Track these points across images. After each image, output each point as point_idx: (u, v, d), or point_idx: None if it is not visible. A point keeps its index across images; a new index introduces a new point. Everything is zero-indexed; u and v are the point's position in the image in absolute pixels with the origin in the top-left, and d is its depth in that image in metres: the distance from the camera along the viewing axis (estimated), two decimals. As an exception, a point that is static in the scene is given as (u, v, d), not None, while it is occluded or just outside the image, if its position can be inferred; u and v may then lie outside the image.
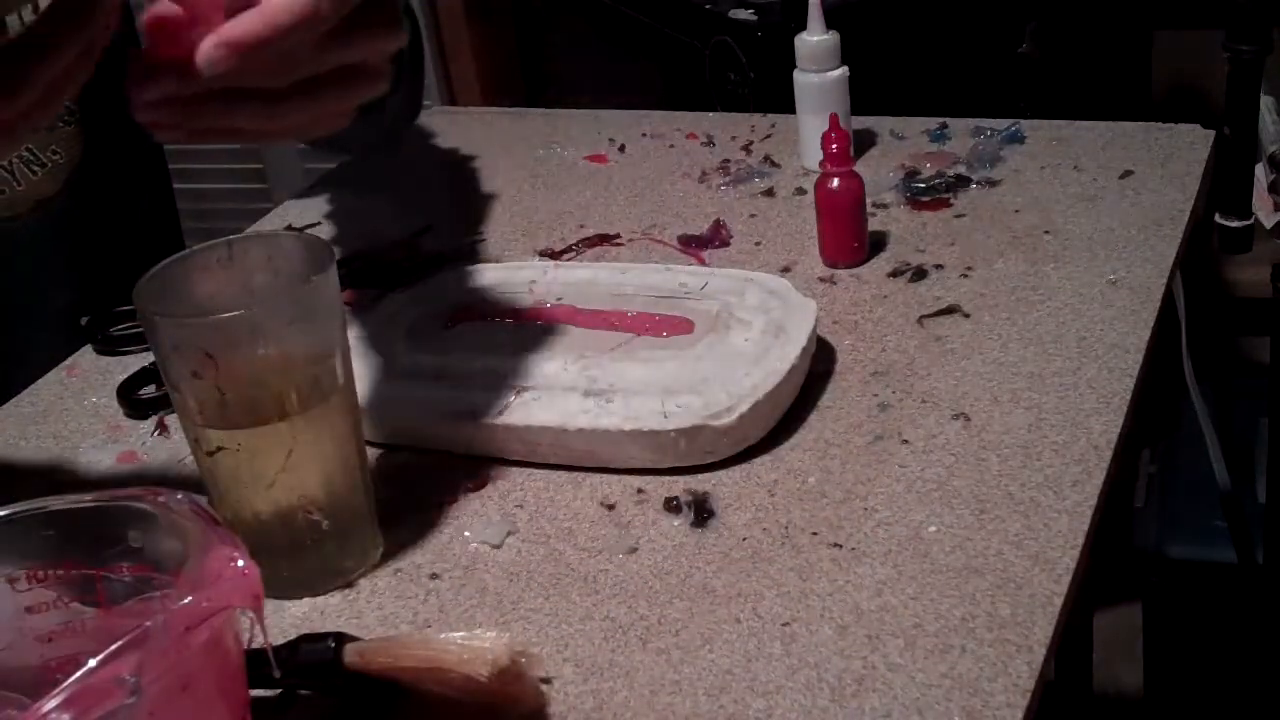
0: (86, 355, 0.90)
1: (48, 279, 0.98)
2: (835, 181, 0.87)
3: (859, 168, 0.89)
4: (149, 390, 0.84)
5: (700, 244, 0.94)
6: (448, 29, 2.10)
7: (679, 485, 0.70)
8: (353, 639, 0.59)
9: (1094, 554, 0.64)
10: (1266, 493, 1.58)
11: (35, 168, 0.94)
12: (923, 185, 0.96)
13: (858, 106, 1.00)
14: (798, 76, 0.99)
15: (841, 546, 0.65)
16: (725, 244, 0.94)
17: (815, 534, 0.66)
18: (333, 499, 0.66)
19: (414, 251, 0.97)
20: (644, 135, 1.13)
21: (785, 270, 0.89)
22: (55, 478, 0.78)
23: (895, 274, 0.87)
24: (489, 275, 0.86)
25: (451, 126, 1.21)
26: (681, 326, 0.77)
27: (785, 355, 0.73)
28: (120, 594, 0.54)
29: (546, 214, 1.02)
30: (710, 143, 1.09)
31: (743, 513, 0.68)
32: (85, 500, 0.55)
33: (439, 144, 1.18)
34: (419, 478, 0.74)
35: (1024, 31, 1.46)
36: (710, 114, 1.16)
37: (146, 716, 0.45)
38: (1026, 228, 0.90)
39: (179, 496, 0.53)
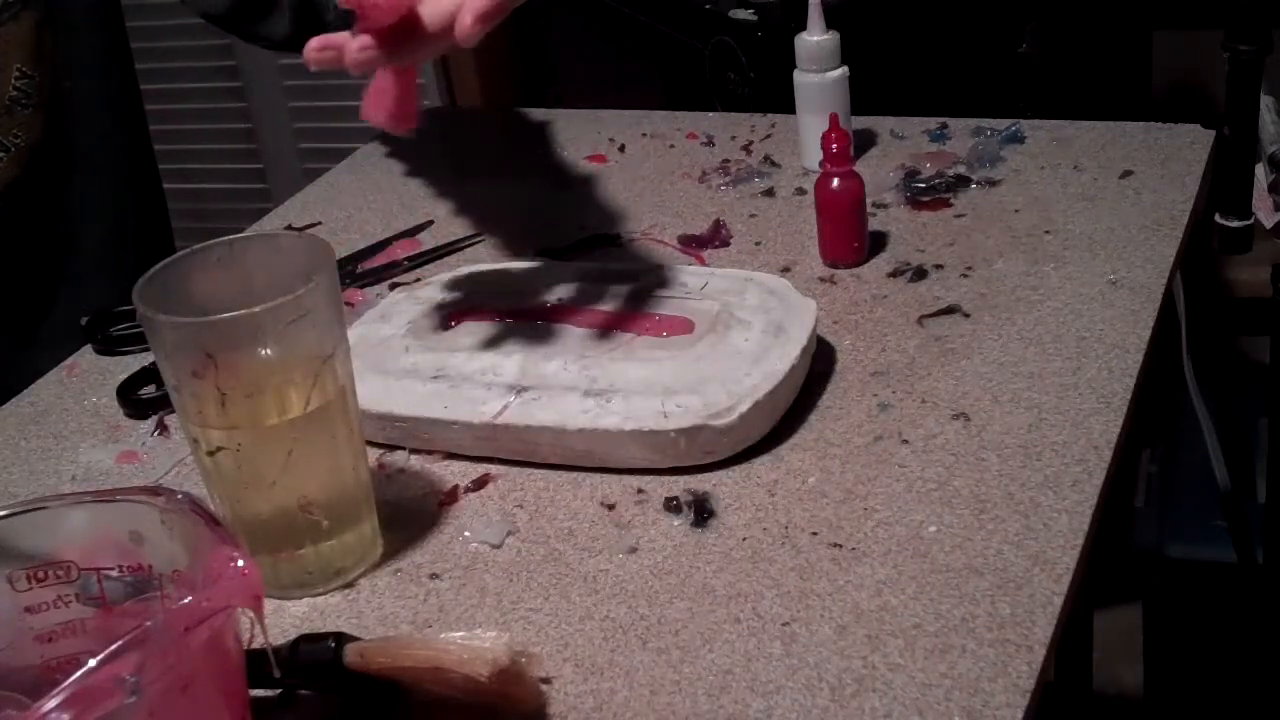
0: (86, 355, 0.90)
1: (22, 264, 0.98)
2: (835, 181, 0.87)
3: (859, 168, 0.89)
4: (149, 390, 0.84)
5: (700, 244, 0.94)
6: (448, 29, 2.10)
7: (679, 485, 0.70)
8: (353, 639, 0.59)
9: (1094, 554, 0.64)
10: (1266, 493, 1.57)
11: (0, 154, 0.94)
12: (923, 185, 0.96)
13: (858, 106, 1.00)
14: (798, 76, 0.99)
15: (841, 546, 0.65)
16: (725, 244, 0.94)
17: (815, 534, 0.66)
18: (333, 499, 0.66)
19: (414, 251, 0.97)
20: (644, 135, 1.13)
21: (785, 270, 0.89)
22: (55, 478, 0.78)
23: (895, 274, 0.87)
24: (489, 275, 0.86)
25: (451, 126, 1.21)
26: (681, 326, 0.77)
27: (785, 355, 0.73)
28: (120, 594, 0.54)
29: (546, 214, 1.01)
30: (710, 143, 1.09)
31: (743, 513, 0.68)
32: (85, 500, 0.55)
33: (439, 144, 1.18)
34: (419, 478, 0.74)
35: (1024, 31, 1.46)
36: (710, 114, 1.16)
37: (146, 716, 0.45)
38: (1026, 228, 0.90)
39: (179, 496, 0.53)
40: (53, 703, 0.42)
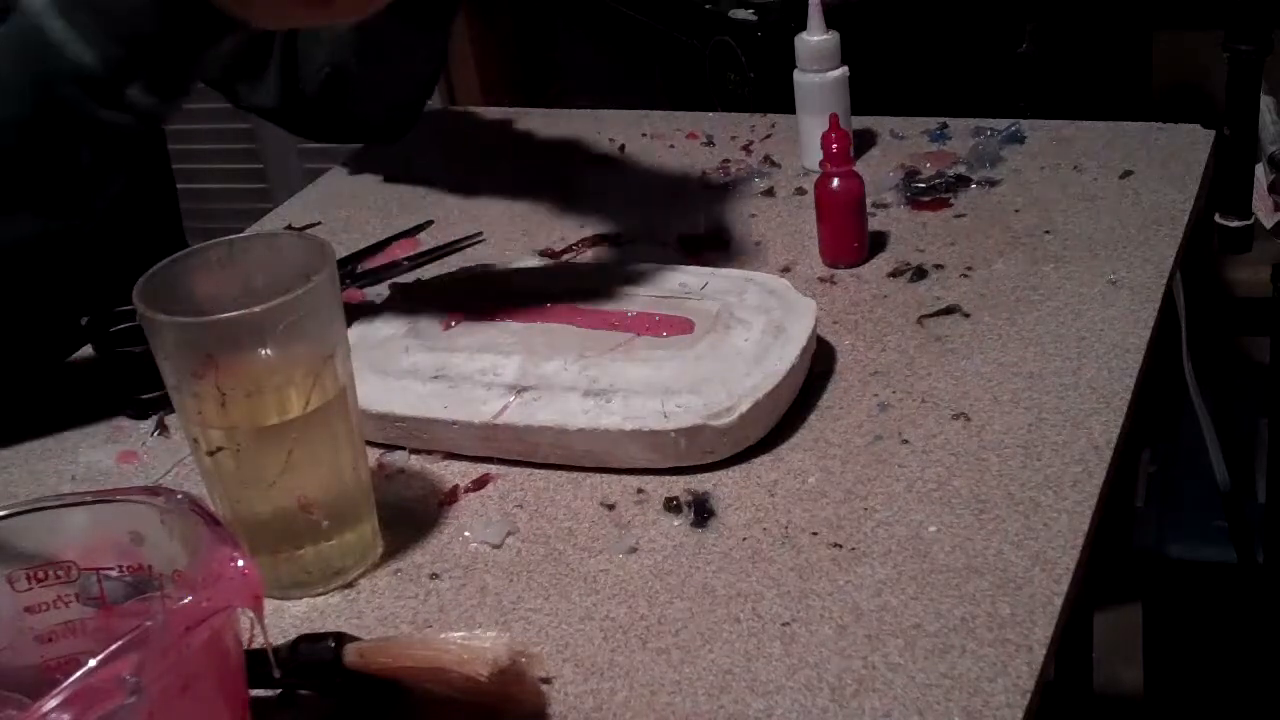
0: (86, 355, 0.90)
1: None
2: (835, 181, 0.87)
3: (859, 168, 0.89)
4: (149, 390, 0.84)
5: (700, 244, 0.94)
6: (448, 29, 2.10)
7: (679, 485, 0.70)
8: (353, 639, 0.59)
9: (1094, 554, 0.64)
10: (1266, 493, 1.58)
11: None
12: (923, 185, 0.96)
13: (858, 106, 1.00)
14: (798, 76, 0.99)
15: (841, 546, 0.65)
16: (725, 244, 0.94)
17: (815, 534, 0.66)
18: (333, 499, 0.66)
19: (414, 251, 0.97)
20: (644, 135, 1.13)
21: (785, 270, 0.89)
22: (55, 478, 0.78)
23: (895, 274, 0.87)
24: (489, 275, 0.86)
25: (451, 126, 1.21)
26: (681, 326, 0.77)
27: (785, 355, 0.73)
28: (120, 594, 0.54)
29: (546, 214, 1.02)
30: (710, 143, 1.09)
31: (743, 513, 0.68)
32: (85, 500, 0.55)
33: (439, 144, 1.18)
34: (419, 478, 0.74)
35: (1024, 31, 1.46)
36: (710, 114, 1.16)
37: (146, 716, 0.45)
38: (1026, 228, 0.90)
39: (179, 496, 0.53)
40: (53, 703, 0.42)
